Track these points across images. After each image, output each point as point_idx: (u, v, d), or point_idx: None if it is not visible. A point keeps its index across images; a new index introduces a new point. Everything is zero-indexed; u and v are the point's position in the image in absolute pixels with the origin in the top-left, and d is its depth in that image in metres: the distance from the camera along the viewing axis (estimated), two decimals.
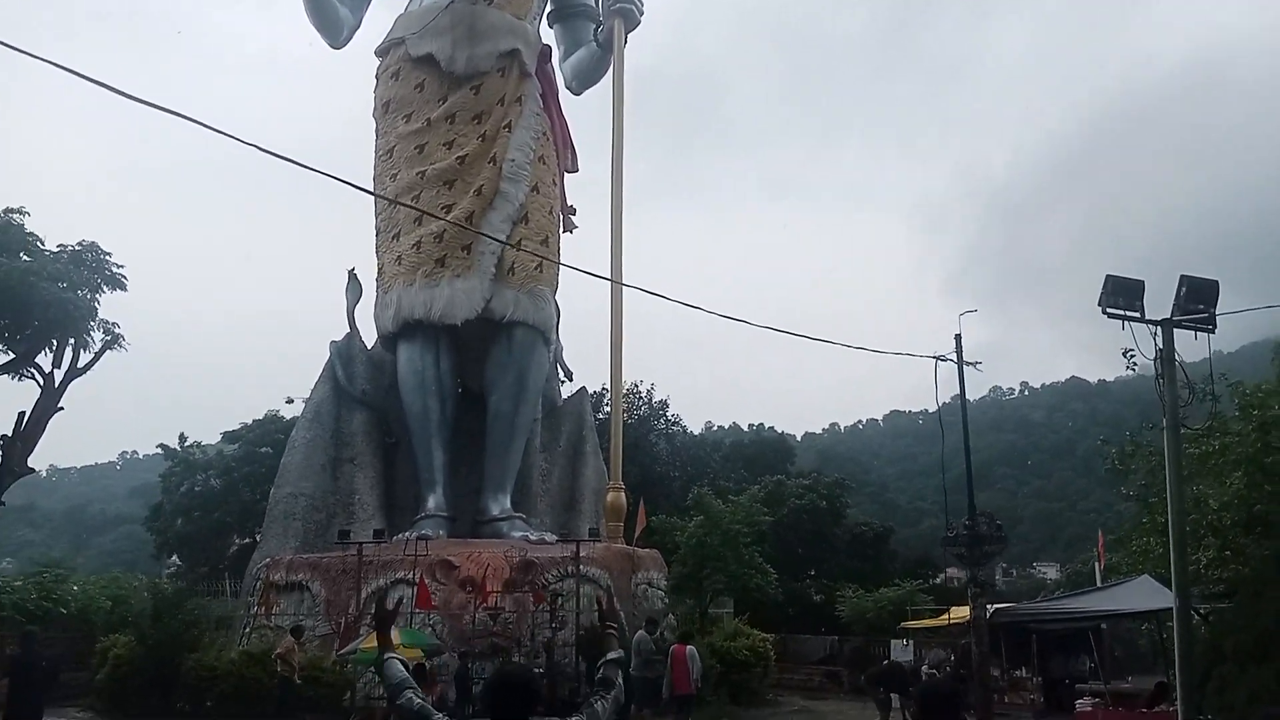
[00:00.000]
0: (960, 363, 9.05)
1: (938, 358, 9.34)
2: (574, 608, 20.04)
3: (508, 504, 23.67)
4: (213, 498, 38.95)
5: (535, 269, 23.37)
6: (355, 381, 25.18)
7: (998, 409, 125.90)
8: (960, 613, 22.90)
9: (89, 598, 26.00)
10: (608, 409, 29.27)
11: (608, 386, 27.34)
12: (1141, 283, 9.37)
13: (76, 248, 23.20)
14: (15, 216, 22.77)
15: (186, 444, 41.58)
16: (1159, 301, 10.07)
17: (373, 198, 24.96)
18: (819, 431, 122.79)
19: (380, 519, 23.83)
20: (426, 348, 23.69)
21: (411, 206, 21.13)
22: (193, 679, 18.02)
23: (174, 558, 43.39)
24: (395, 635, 16.23)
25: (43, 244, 22.75)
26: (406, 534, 21.58)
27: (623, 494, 23.37)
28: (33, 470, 23.30)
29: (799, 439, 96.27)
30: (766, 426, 75.00)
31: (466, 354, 24.43)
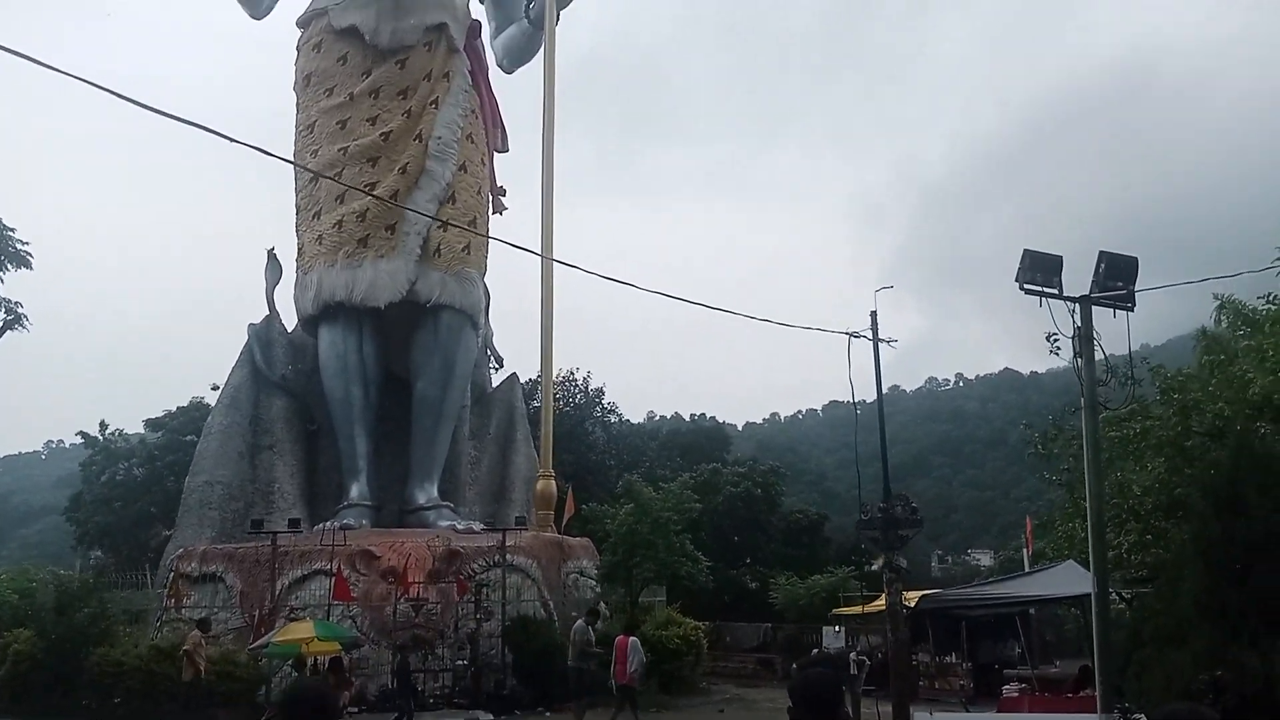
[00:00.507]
0: (875, 340, 8.80)
1: (850, 334, 9.10)
2: (500, 598, 19.60)
3: (435, 492, 23.09)
4: (135, 487, 37.72)
5: (462, 250, 22.77)
6: (275, 366, 24.33)
7: (933, 400, 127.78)
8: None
9: None
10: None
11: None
12: (1060, 258, 9.13)
13: None
14: None
15: (108, 431, 40.27)
16: (1082, 286, 9.86)
17: (293, 174, 24.14)
18: (759, 421, 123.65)
19: (301, 508, 23.08)
20: (349, 331, 22.96)
21: (334, 180, 20.38)
22: (98, 674, 17.17)
23: (96, 550, 42.05)
24: (309, 628, 15.71)
25: None
26: (328, 523, 20.91)
27: (553, 482, 22.93)
28: None
29: (740, 429, 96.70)
30: (708, 417, 75.11)
31: (391, 338, 23.74)
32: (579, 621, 16.91)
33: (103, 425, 40.35)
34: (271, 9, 26.07)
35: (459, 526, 21.26)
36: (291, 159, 23.16)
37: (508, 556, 19.84)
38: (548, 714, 17.92)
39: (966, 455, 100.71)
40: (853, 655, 20.60)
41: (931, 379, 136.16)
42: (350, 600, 18.35)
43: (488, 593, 19.42)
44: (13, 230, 22.76)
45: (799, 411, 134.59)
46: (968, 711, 16.35)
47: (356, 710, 17.04)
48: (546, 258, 18.71)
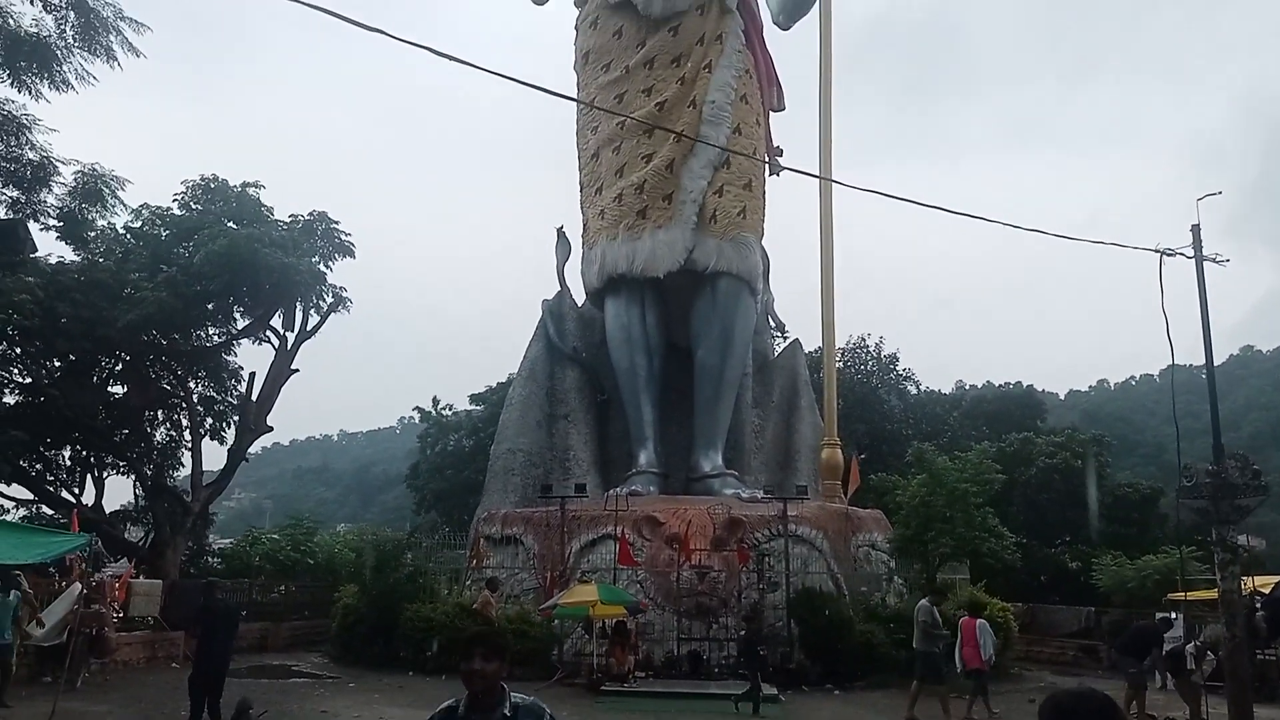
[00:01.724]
0: (1198, 258, 7.12)
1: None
2: (783, 569, 19.01)
3: (719, 460, 22.89)
4: (463, 456, 40.92)
5: (738, 215, 22.27)
6: (566, 339, 25.19)
7: None
8: (1247, 584, 19.77)
9: (334, 550, 27.83)
10: (838, 365, 27.70)
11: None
12: None
13: (308, 217, 24.68)
14: (251, 190, 24.53)
15: (440, 407, 44.15)
16: None
17: (576, 153, 24.77)
18: (1085, 390, 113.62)
19: (594, 475, 23.77)
20: (632, 302, 23.23)
21: (613, 153, 20.56)
22: (411, 629, 18.63)
23: (431, 512, 46.35)
24: (594, 591, 15.99)
25: (271, 214, 24.39)
26: (618, 489, 21.32)
27: (838, 450, 21.93)
28: (270, 428, 25.23)
29: (1062, 398, 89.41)
30: (1024, 385, 70.12)
31: (673, 307, 23.77)
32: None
33: (435, 401, 44.46)
34: None
35: (743, 495, 20.90)
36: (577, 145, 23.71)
37: (792, 527, 19.19)
38: (836, 691, 17.12)
39: None
40: (1190, 647, 18.03)
41: None
42: (634, 565, 18.54)
43: (770, 562, 18.89)
44: (337, 223, 25.18)
45: (1132, 377, 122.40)
46: None
47: (643, 675, 17.19)
48: (825, 179, 17.76)
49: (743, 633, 16.64)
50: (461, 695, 3.05)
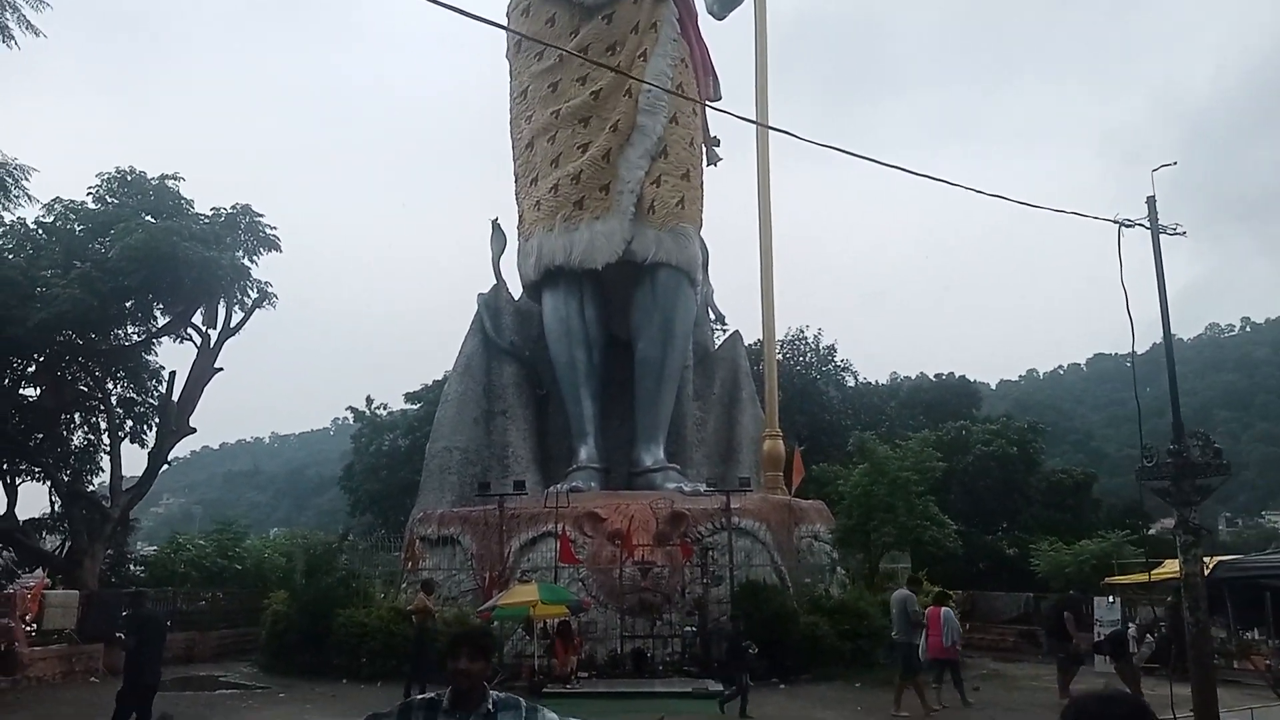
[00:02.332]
0: (1154, 230, 7.02)
1: (1122, 221, 7.27)
2: (727, 563, 18.78)
3: (661, 454, 22.60)
4: (399, 456, 40.09)
5: (676, 205, 21.96)
6: (503, 333, 24.66)
7: (1215, 348, 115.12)
8: (1173, 567, 20.01)
9: (263, 555, 26.93)
10: (778, 357, 27.56)
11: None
12: None
13: (230, 210, 23.76)
14: (171, 182, 23.53)
15: (374, 406, 43.18)
16: None
17: (510, 143, 24.26)
18: (1015, 379, 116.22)
19: (534, 471, 23.29)
20: (570, 295, 22.80)
21: (548, 143, 20.09)
22: (344, 635, 17.97)
23: (366, 515, 45.37)
24: (534, 591, 15.55)
25: (191, 207, 23.43)
26: (558, 486, 20.91)
27: (780, 442, 21.79)
28: (194, 430, 24.28)
29: (993, 387, 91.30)
30: (957, 376, 71.24)
31: (612, 299, 23.40)
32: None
33: (369, 400, 43.42)
34: None
35: (685, 489, 20.62)
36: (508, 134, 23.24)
37: (735, 519, 18.97)
38: (782, 685, 16.91)
39: (1258, 407, 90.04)
40: (1130, 630, 18.24)
41: (1213, 325, 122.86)
42: (575, 563, 18.15)
43: (714, 556, 18.64)
44: (261, 216, 24.28)
45: (1059, 367, 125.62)
46: None
47: (586, 675, 16.81)
48: (764, 124, 17.56)
49: (717, 628, 16.27)
50: (425, 693, 3.22)
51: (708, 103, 22.75)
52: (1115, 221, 7.02)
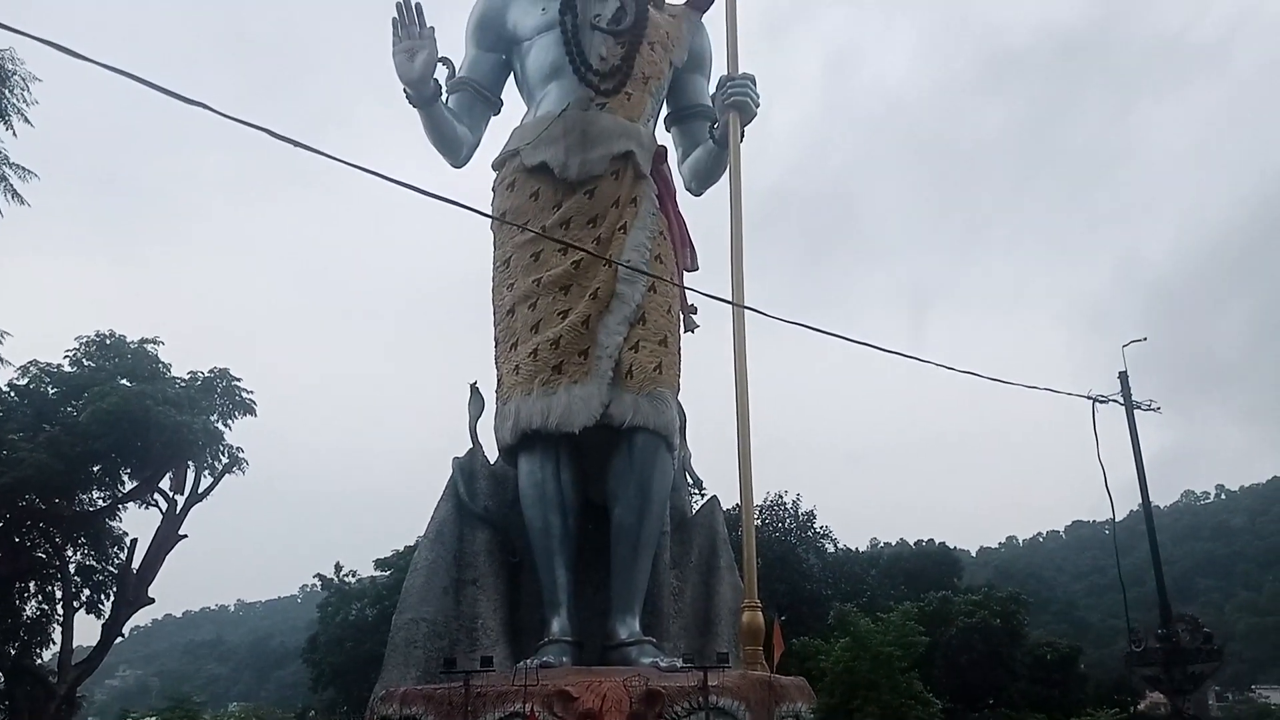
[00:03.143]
0: (1128, 405, 7.08)
1: (1095, 398, 7.35)
2: None
3: (636, 627, 21.81)
4: (366, 627, 39.06)
5: (654, 370, 22.06)
6: (477, 498, 24.19)
7: (1192, 515, 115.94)
8: None
9: None
10: (756, 523, 27.16)
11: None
12: None
13: (208, 374, 23.82)
14: (150, 346, 23.68)
15: (343, 573, 42.18)
16: None
17: (491, 310, 24.58)
18: (995, 546, 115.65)
19: (504, 645, 22.36)
20: (546, 459, 22.53)
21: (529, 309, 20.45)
22: None
23: (329, 690, 43.48)
24: None
25: (168, 371, 23.54)
26: (528, 661, 20.05)
27: (759, 613, 21.16)
28: (152, 600, 23.47)
29: (974, 555, 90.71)
30: (937, 542, 70.83)
31: (589, 465, 23.17)
32: None
33: (337, 567, 42.61)
34: (470, 157, 27.24)
35: (661, 664, 19.83)
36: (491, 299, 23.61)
37: (713, 698, 18.17)
38: None
39: (1239, 575, 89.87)
40: None
41: (1188, 493, 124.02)
42: None
43: None
44: (239, 380, 24.36)
45: (1039, 534, 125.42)
46: None
47: None
48: (739, 305, 17.79)
49: None
50: None
51: (685, 274, 23.26)
52: (1089, 398, 7.13)
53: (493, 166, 28.36)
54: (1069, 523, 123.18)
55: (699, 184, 30.99)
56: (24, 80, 19.89)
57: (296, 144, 4.14)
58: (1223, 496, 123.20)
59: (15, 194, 20.36)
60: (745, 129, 27.90)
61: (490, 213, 23.94)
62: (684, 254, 26.24)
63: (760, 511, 37.85)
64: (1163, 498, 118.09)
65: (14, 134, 19.98)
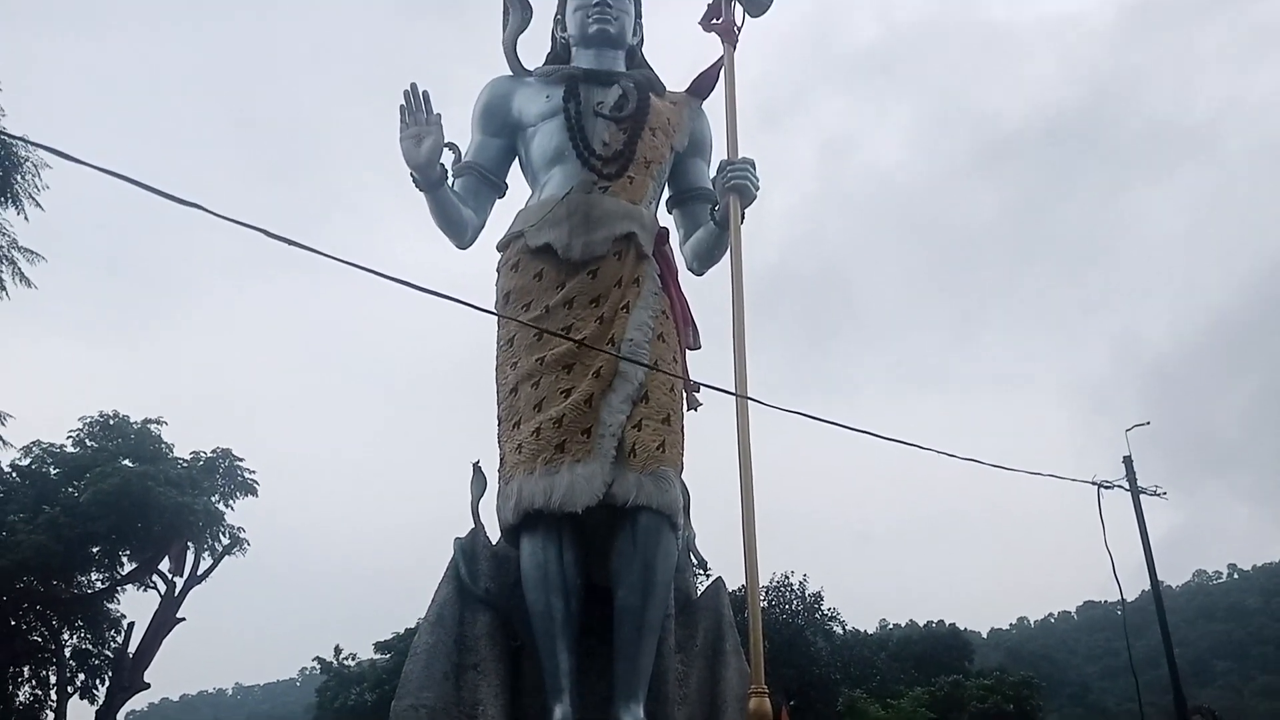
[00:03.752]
0: (1134, 490, 7.03)
1: (1100, 483, 7.31)
2: None
3: (640, 714, 21.35)
4: (366, 713, 38.13)
5: (657, 449, 22.00)
6: (479, 580, 23.93)
7: (1205, 595, 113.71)
8: None
9: None
10: (763, 605, 26.80)
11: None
12: None
13: (210, 454, 23.82)
14: (154, 427, 23.74)
15: (342, 656, 41.43)
16: None
17: (495, 388, 24.74)
18: (1006, 627, 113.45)
19: None
20: (549, 539, 22.33)
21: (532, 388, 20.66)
22: None
23: None
24: None
25: (171, 451, 23.54)
26: None
27: (766, 699, 20.76)
28: (147, 685, 23.05)
29: (984, 636, 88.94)
30: (946, 624, 69.46)
31: (592, 546, 22.99)
32: None
33: (337, 650, 41.72)
34: (475, 239, 27.66)
35: None
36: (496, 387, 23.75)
37: None
38: None
39: (1256, 658, 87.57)
40: None
41: (1200, 572, 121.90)
42: None
43: None
44: (241, 460, 24.36)
45: (1051, 614, 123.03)
46: None
47: None
48: (741, 396, 17.77)
49: None
50: None
51: (688, 352, 23.46)
52: (1094, 484, 7.11)
53: (497, 248, 28.78)
54: (1080, 603, 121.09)
55: (700, 264, 31.45)
56: (35, 166, 20.35)
57: (291, 242, 4.22)
58: (1235, 576, 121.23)
59: (23, 277, 20.67)
60: (745, 211, 28.43)
61: (493, 297, 24.26)
62: (686, 332, 26.39)
63: (766, 593, 37.35)
64: (1174, 577, 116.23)
65: (26, 218, 20.36)
